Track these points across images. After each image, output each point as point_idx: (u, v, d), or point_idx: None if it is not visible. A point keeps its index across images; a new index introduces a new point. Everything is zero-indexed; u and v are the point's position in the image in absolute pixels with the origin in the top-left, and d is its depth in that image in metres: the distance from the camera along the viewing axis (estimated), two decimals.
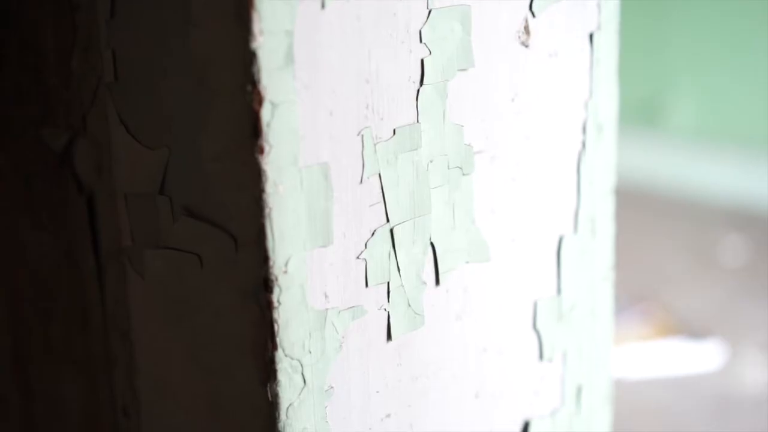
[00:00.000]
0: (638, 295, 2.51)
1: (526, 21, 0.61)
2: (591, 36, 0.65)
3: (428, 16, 0.56)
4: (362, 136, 0.55)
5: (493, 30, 0.59)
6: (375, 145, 0.56)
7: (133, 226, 0.59)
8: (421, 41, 0.56)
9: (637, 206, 3.25)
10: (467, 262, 0.62)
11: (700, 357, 2.25)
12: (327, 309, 0.55)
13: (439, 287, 0.60)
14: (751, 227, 2.97)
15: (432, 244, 0.59)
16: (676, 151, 3.35)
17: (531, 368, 0.67)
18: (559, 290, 0.67)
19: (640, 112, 3.44)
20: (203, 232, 0.56)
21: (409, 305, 0.59)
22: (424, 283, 0.60)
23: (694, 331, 2.35)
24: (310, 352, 0.55)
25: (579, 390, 0.70)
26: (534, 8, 0.61)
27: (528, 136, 0.63)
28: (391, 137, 0.56)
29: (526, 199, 0.64)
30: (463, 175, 0.60)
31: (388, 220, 0.57)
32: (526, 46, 0.61)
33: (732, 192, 3.20)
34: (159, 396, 0.63)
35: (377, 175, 0.56)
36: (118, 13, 0.56)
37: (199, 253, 0.56)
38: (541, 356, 0.67)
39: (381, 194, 0.57)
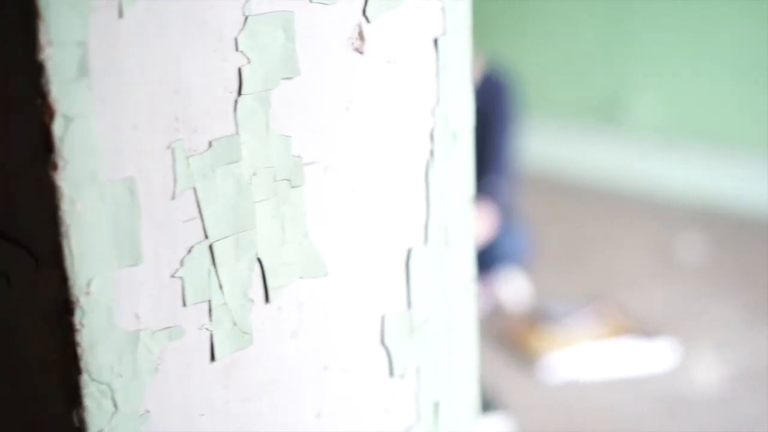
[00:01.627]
0: (594, 295, 2.49)
1: (360, 27, 0.59)
2: (436, 41, 0.62)
3: (245, 23, 0.54)
4: (173, 149, 0.53)
5: (321, 36, 0.57)
6: (188, 158, 0.53)
7: None
8: (237, 49, 0.54)
9: (597, 204, 3.23)
10: (301, 278, 0.59)
11: (655, 356, 2.24)
12: (139, 330, 0.53)
13: (269, 304, 0.58)
14: (710, 225, 2.95)
15: (259, 260, 0.57)
16: (636, 148, 3.33)
17: (381, 385, 0.65)
18: (409, 304, 0.65)
19: (601, 108, 3.41)
20: (8, 251, 0.53)
21: (235, 324, 0.57)
22: (252, 300, 0.57)
23: (649, 330, 2.34)
24: (120, 376, 0.53)
25: (436, 406, 0.68)
26: (368, 13, 0.59)
27: (367, 146, 0.60)
28: (207, 150, 0.54)
29: (368, 211, 0.62)
30: (292, 187, 0.58)
31: (206, 236, 0.55)
32: (361, 53, 0.59)
33: (692, 190, 3.18)
34: None
35: (192, 190, 0.54)
36: None
37: (6, 273, 0.54)
38: (391, 372, 0.65)
39: (197, 209, 0.54)
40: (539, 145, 3.43)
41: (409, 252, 0.64)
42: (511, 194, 2.43)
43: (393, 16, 0.60)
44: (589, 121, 3.48)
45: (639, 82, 3.34)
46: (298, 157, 0.58)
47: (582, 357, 2.25)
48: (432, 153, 0.64)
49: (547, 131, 3.54)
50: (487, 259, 2.44)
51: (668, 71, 3.26)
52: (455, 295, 0.67)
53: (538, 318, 2.37)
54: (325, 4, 0.57)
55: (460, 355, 0.69)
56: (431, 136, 0.63)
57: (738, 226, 2.97)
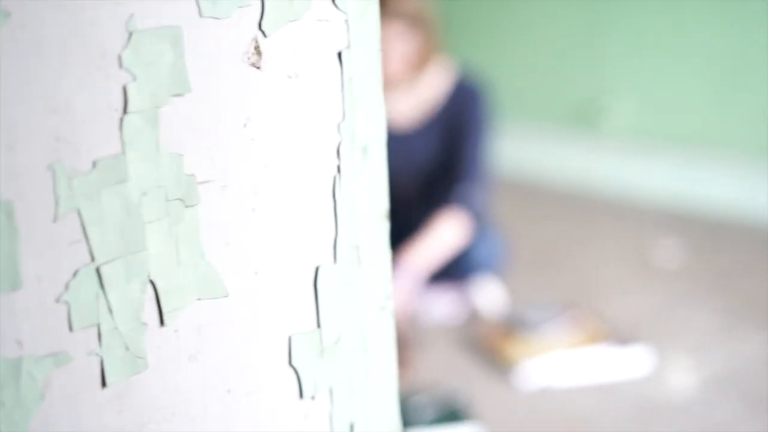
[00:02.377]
0: (570, 301, 2.47)
1: (256, 41, 0.57)
2: (340, 55, 0.61)
3: (129, 40, 0.52)
4: (53, 170, 0.51)
5: (213, 52, 0.56)
6: (70, 179, 0.52)
7: None
8: (121, 66, 0.52)
9: (574, 209, 3.22)
10: (199, 299, 0.58)
11: (630, 363, 2.22)
12: (21, 357, 0.51)
13: (165, 327, 0.57)
14: (687, 230, 2.94)
15: (152, 282, 0.56)
16: (612, 152, 3.32)
17: (290, 407, 0.63)
18: (318, 323, 0.63)
19: (578, 113, 3.40)
20: None
21: (128, 348, 0.55)
22: (145, 324, 0.56)
23: (624, 337, 2.32)
24: (2, 404, 0.51)
25: (352, 427, 0.66)
26: (264, 27, 0.57)
27: (267, 164, 0.59)
28: (91, 170, 0.52)
29: (271, 230, 0.60)
30: (186, 207, 0.56)
31: (93, 259, 0.53)
32: (258, 68, 0.58)
33: (669, 194, 3.17)
34: None
35: (76, 211, 0.52)
36: None
37: None
38: (301, 394, 0.63)
39: (82, 231, 0.53)
40: (515, 149, 3.42)
41: (317, 270, 0.62)
42: (486, 201, 2.42)
43: (292, 29, 0.58)
44: (566, 126, 3.47)
45: (615, 86, 3.33)
46: (192, 175, 0.56)
47: (557, 364, 2.23)
48: (339, 169, 0.62)
49: (523, 135, 3.53)
50: (462, 267, 2.42)
51: (644, 75, 3.25)
52: (369, 314, 0.66)
53: (513, 325, 2.36)
54: (217, 18, 0.55)
55: (376, 375, 0.67)
56: (338, 152, 0.62)
57: (715, 230, 2.96)
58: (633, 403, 2.13)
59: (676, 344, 2.33)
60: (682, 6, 3.10)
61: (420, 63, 2.26)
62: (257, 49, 0.57)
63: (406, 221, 2.43)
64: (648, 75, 3.23)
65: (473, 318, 2.44)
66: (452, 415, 2.06)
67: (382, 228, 0.66)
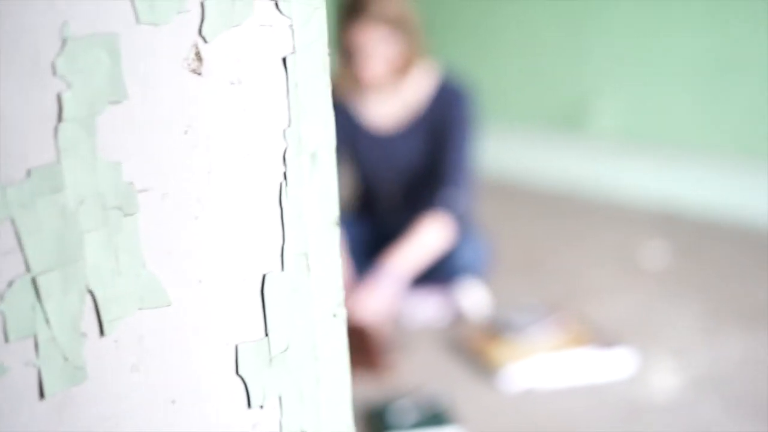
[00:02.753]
0: (555, 304, 2.47)
1: (197, 47, 0.56)
2: (284, 60, 0.60)
3: (63, 47, 0.52)
4: None
5: (151, 58, 0.55)
6: (4, 188, 0.51)
7: None
8: (55, 74, 0.52)
9: (559, 211, 3.21)
10: (141, 309, 0.57)
11: (615, 365, 2.22)
12: None
13: (105, 337, 0.56)
14: (672, 231, 2.93)
15: (91, 292, 0.55)
16: (598, 153, 3.31)
17: (238, 416, 0.62)
18: (266, 332, 0.62)
19: (564, 114, 3.40)
20: None
21: (66, 359, 0.54)
22: (84, 334, 0.55)
23: (609, 339, 2.32)
24: None
25: None
26: (205, 33, 0.56)
27: (210, 171, 0.58)
28: (25, 179, 0.52)
29: (215, 238, 0.59)
30: (125, 215, 0.55)
31: (28, 269, 0.52)
32: (199, 74, 0.57)
33: (654, 196, 3.16)
34: None
35: (10, 221, 0.51)
36: None
37: None
38: (249, 403, 0.62)
39: (17, 241, 0.52)
40: (501, 151, 3.41)
41: (264, 278, 0.62)
42: (470, 204, 2.42)
43: (234, 35, 0.58)
44: (552, 127, 3.46)
45: (601, 87, 3.32)
46: (131, 183, 0.55)
47: (542, 367, 2.23)
48: (285, 176, 0.62)
49: (508, 137, 3.52)
50: (447, 270, 2.41)
51: (630, 76, 3.24)
52: (320, 322, 0.65)
53: (498, 328, 2.35)
54: (156, 24, 0.55)
55: (328, 383, 0.66)
56: (284, 159, 0.61)
57: (701, 232, 2.96)
58: (617, 405, 2.12)
59: (660, 346, 2.32)
60: (668, 6, 3.09)
61: (403, 66, 2.26)
62: (198, 55, 0.57)
63: (389, 224, 2.43)
64: (634, 76, 3.22)
65: (458, 321, 2.44)
66: (436, 418, 2.05)
67: (332, 235, 0.65)
